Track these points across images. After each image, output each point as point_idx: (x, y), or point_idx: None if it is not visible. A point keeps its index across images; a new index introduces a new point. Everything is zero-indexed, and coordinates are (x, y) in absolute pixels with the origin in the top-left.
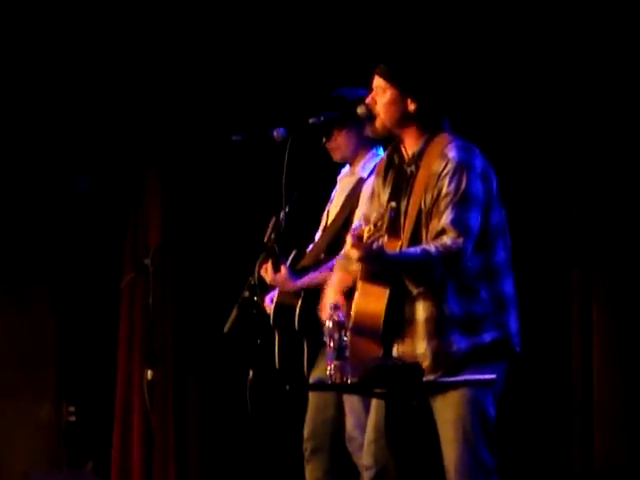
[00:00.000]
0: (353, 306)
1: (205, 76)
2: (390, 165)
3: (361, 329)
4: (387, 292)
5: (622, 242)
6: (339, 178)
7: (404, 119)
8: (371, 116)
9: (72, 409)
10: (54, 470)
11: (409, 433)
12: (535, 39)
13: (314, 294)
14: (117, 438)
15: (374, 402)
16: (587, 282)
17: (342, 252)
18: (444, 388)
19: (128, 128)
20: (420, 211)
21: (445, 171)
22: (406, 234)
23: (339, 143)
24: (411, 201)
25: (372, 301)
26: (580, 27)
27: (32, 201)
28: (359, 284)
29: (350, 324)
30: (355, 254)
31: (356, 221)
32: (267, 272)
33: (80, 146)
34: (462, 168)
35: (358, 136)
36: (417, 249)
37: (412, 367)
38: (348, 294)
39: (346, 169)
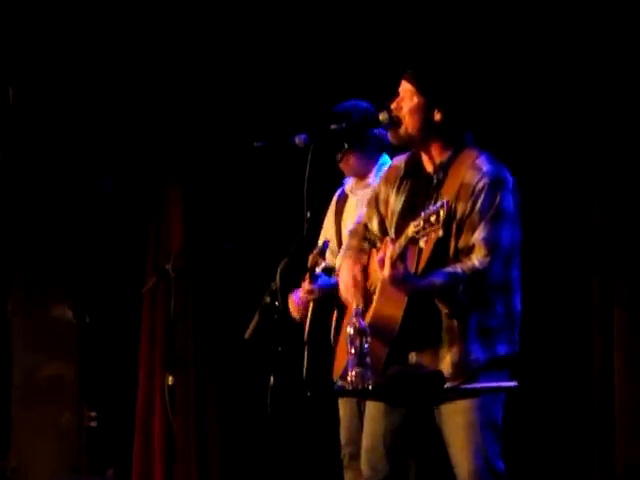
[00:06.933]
0: (371, 307)
1: (227, 82)
2: (407, 174)
3: (375, 331)
4: (406, 297)
5: None
6: (348, 190)
7: (428, 128)
8: (393, 123)
9: (93, 415)
10: (75, 476)
11: (428, 440)
12: (554, 55)
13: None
14: (138, 444)
15: (369, 410)
16: (609, 288)
17: (344, 246)
18: (462, 395)
19: (151, 133)
20: (448, 217)
21: (480, 185)
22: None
23: (351, 164)
24: None
25: (391, 305)
26: (602, 43)
27: (54, 205)
28: (379, 284)
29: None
30: (386, 272)
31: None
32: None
33: (103, 151)
34: (497, 183)
35: (366, 151)
36: (443, 274)
37: (433, 374)
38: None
39: (350, 180)
